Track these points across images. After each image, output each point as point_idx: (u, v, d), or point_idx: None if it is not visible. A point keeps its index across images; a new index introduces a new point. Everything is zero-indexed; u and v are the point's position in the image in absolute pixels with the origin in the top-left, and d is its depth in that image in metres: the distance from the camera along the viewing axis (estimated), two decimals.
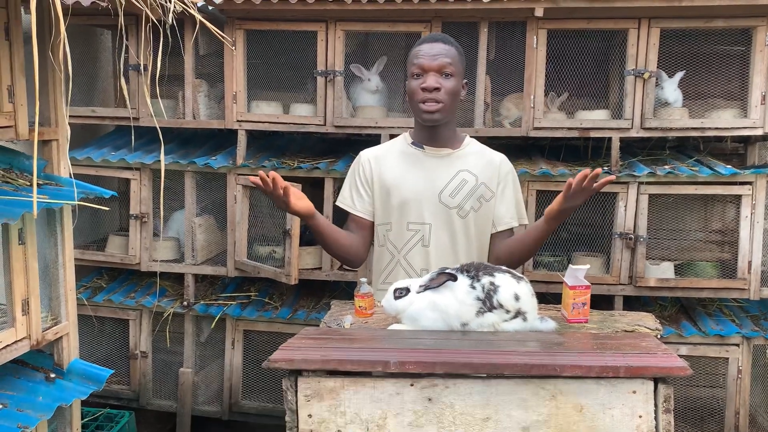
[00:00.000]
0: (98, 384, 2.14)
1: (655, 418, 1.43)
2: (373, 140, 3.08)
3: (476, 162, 2.16)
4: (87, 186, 2.10)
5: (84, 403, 2.35)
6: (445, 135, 2.16)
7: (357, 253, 2.23)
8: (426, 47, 2.07)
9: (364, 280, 1.98)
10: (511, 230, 2.21)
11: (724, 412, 2.96)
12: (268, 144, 3.49)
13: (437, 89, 2.03)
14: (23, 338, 1.94)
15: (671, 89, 2.96)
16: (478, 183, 2.14)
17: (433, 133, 2.15)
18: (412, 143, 2.20)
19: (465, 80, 2.15)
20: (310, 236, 3.32)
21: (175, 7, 2.00)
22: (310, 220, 2.10)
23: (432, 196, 2.12)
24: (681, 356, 1.52)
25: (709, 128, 2.90)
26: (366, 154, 2.25)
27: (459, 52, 2.10)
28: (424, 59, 2.04)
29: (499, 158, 2.21)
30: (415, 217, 2.13)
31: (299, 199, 2.06)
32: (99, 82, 3.72)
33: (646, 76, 2.85)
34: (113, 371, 2.27)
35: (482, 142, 2.27)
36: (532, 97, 2.93)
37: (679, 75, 2.96)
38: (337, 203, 2.28)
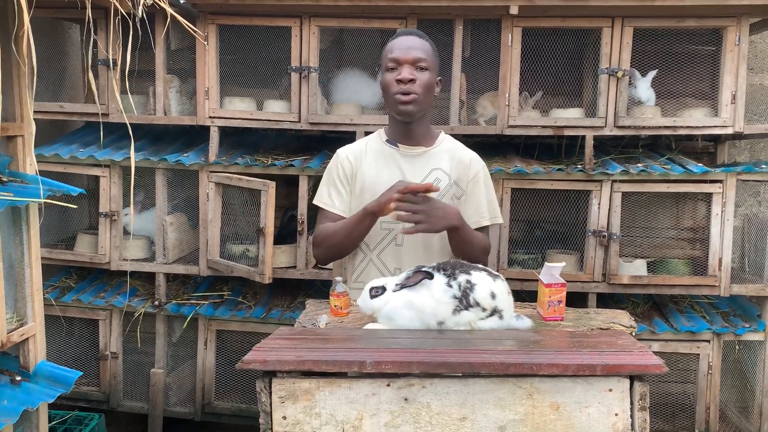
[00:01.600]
0: (66, 386, 2.08)
1: (631, 416, 1.43)
2: (348, 137, 3.06)
3: (449, 160, 2.15)
4: (54, 183, 2.04)
5: (52, 406, 2.29)
6: (420, 132, 2.14)
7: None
8: (400, 41, 2.06)
9: (339, 279, 1.96)
10: (479, 230, 2.17)
11: (695, 408, 3.00)
12: (241, 141, 3.44)
13: (412, 81, 2.02)
14: None
15: (644, 88, 2.98)
16: (450, 182, 2.13)
17: (407, 130, 2.13)
18: (387, 141, 2.18)
19: (439, 77, 2.14)
20: (285, 233, 3.31)
21: (145, 0, 1.95)
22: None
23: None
24: (653, 353, 1.52)
25: (681, 127, 2.93)
26: (344, 152, 2.22)
27: (433, 48, 2.10)
28: (398, 52, 2.03)
29: (470, 157, 2.19)
30: (389, 217, 2.10)
31: None
32: (67, 77, 3.64)
33: (619, 74, 2.87)
34: (82, 373, 2.22)
35: (457, 140, 2.26)
36: (507, 95, 2.93)
37: (652, 74, 2.99)
38: (314, 202, 2.25)
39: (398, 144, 2.16)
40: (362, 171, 2.16)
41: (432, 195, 2.06)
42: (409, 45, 2.04)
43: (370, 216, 2.03)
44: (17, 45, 1.92)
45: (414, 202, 1.91)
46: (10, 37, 1.91)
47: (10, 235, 2.05)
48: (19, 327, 2.04)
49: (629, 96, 2.96)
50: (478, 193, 2.17)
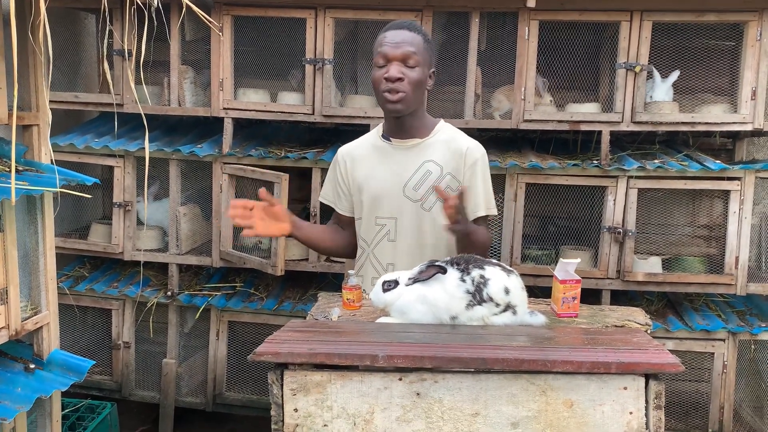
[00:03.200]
0: (79, 375, 2.10)
1: (646, 415, 1.41)
2: (362, 130, 3.04)
3: (443, 151, 2.09)
4: (69, 173, 2.04)
5: (65, 394, 2.30)
6: (413, 125, 2.10)
7: (349, 245, 2.27)
8: (390, 35, 2.01)
9: (352, 272, 1.95)
10: (476, 220, 2.11)
11: (709, 407, 2.97)
12: (255, 132, 3.44)
13: (400, 79, 1.97)
14: (2, 328, 1.89)
15: (664, 90, 2.95)
16: (443, 174, 2.07)
17: (399, 124, 2.10)
18: (382, 136, 2.16)
19: (432, 69, 2.09)
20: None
21: None
22: (296, 232, 2.16)
23: (397, 189, 2.09)
24: None
25: (700, 123, 2.89)
26: (342, 152, 2.23)
27: (425, 39, 2.04)
28: (387, 48, 1.99)
29: (467, 145, 2.10)
30: (382, 212, 2.10)
31: (275, 221, 2.11)
32: (83, 67, 3.65)
33: (637, 69, 2.84)
34: (95, 362, 2.23)
35: (472, 134, 2.21)
36: (522, 89, 2.90)
37: (674, 76, 2.95)
38: (320, 199, 2.28)
39: (391, 138, 2.13)
40: (358, 168, 2.17)
41: (422, 188, 2.07)
42: (399, 39, 1.98)
43: (293, 235, 2.17)
44: (33, 34, 1.93)
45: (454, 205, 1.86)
46: (26, 26, 1.92)
47: (25, 224, 2.06)
48: (34, 315, 2.05)
49: (648, 98, 2.92)
50: (475, 183, 2.09)
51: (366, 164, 2.15)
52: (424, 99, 2.14)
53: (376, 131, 2.22)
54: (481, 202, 2.11)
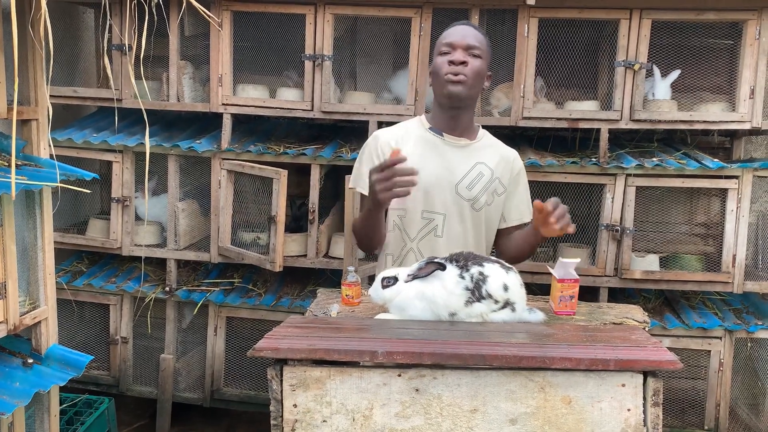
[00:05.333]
0: (77, 370, 2.10)
1: (644, 412, 1.42)
2: (361, 127, 3.05)
3: (492, 156, 2.14)
4: (68, 168, 2.04)
5: (62, 389, 2.31)
6: (464, 123, 2.11)
7: (384, 236, 2.12)
8: (456, 29, 2.06)
9: (351, 268, 1.95)
10: (520, 226, 2.18)
11: (705, 404, 2.99)
12: (254, 128, 3.44)
13: (464, 63, 1.99)
14: (0, 323, 1.89)
15: (664, 89, 2.96)
16: (493, 177, 2.11)
17: (452, 119, 2.09)
18: (431, 129, 2.13)
19: (489, 72, 2.12)
20: (294, 223, 3.31)
21: None
22: (377, 211, 1.96)
23: (449, 186, 2.07)
24: None
25: (698, 121, 2.90)
26: (385, 136, 2.14)
27: (487, 41, 2.09)
28: (453, 37, 2.02)
29: (513, 154, 2.19)
30: (430, 206, 2.07)
31: None
32: (82, 62, 3.64)
33: (636, 67, 2.84)
34: (93, 357, 2.23)
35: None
36: (522, 86, 2.90)
37: (674, 75, 2.95)
38: (351, 186, 2.18)
39: (443, 133, 2.12)
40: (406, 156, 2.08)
41: (475, 189, 2.08)
42: (465, 33, 2.03)
43: (375, 210, 1.94)
44: (33, 28, 1.93)
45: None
46: (26, 20, 1.91)
47: (23, 219, 2.06)
48: (32, 310, 2.05)
49: (648, 96, 2.93)
50: (520, 191, 2.19)
51: (414, 154, 2.04)
52: (478, 98, 2.15)
53: (418, 122, 2.17)
54: (526, 209, 2.19)
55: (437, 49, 2.06)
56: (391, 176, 1.78)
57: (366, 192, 2.05)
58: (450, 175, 2.08)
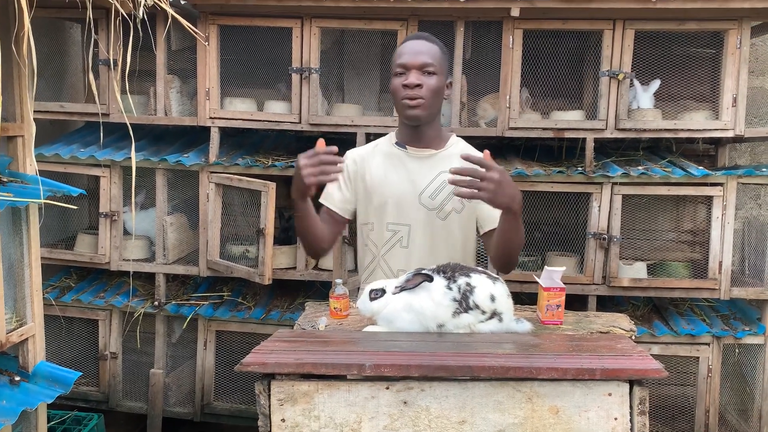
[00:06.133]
0: (65, 387, 2.08)
1: (631, 420, 1.43)
2: (349, 139, 3.06)
3: (458, 163, 2.13)
4: (54, 184, 2.03)
5: (51, 406, 2.28)
6: (429, 135, 2.14)
7: (329, 242, 2.18)
8: (409, 45, 2.06)
9: (339, 281, 1.96)
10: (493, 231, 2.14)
11: (695, 411, 3.00)
12: (242, 141, 3.44)
13: (419, 86, 2.01)
14: None
15: (646, 99, 2.99)
16: None
17: (416, 133, 2.13)
18: (396, 143, 2.18)
19: (449, 80, 2.14)
20: (284, 235, 3.31)
21: (146, 1, 1.95)
22: (302, 205, 1.99)
23: (412, 197, 2.11)
24: (653, 356, 1.52)
25: (682, 129, 2.93)
26: (351, 154, 2.23)
27: (442, 51, 2.09)
28: (406, 57, 2.03)
29: None
30: (395, 218, 2.11)
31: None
32: (68, 77, 3.63)
33: (620, 77, 2.87)
34: (81, 373, 2.21)
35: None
36: (507, 97, 2.93)
37: (655, 85, 2.99)
38: (322, 201, 2.22)
39: (407, 146, 2.15)
40: (369, 172, 2.16)
41: (439, 197, 2.07)
42: (417, 50, 2.03)
43: (299, 203, 1.97)
44: (18, 45, 1.92)
45: (476, 175, 1.76)
46: (10, 37, 1.91)
47: (9, 236, 2.05)
48: (19, 327, 2.04)
49: (632, 105, 2.96)
50: None
51: (379, 169, 2.15)
52: (441, 109, 2.16)
53: (387, 139, 2.23)
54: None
55: (393, 67, 2.07)
56: (317, 163, 1.84)
57: (325, 203, 2.18)
58: (413, 187, 2.11)
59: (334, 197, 2.20)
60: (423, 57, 2.02)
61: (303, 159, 1.86)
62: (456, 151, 2.17)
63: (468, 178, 1.75)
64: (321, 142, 1.88)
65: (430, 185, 2.11)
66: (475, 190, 1.75)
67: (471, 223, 2.15)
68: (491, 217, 2.10)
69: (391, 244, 2.13)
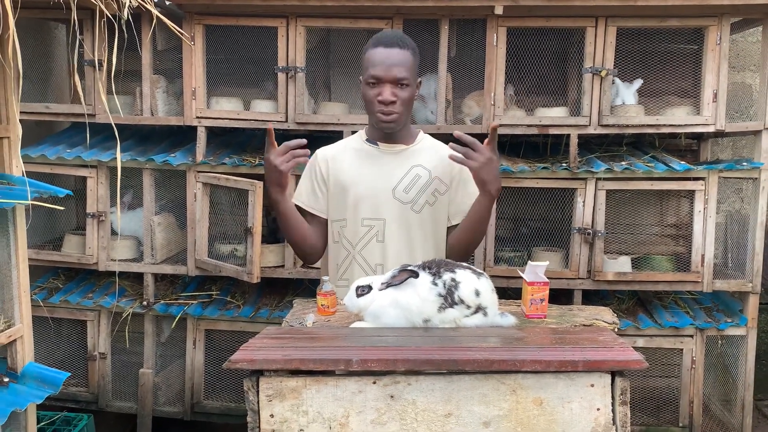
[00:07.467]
0: (54, 387, 2.09)
1: (612, 411, 1.46)
2: (336, 137, 3.07)
3: (430, 157, 2.18)
4: (41, 185, 2.04)
5: (40, 407, 2.29)
6: (400, 132, 2.17)
7: (316, 245, 2.24)
8: (382, 54, 2.04)
9: (326, 278, 1.98)
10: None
11: (679, 402, 3.05)
12: (229, 141, 3.45)
13: (393, 102, 2.05)
14: None
15: (629, 96, 3.03)
16: (431, 177, 2.15)
17: (387, 133, 2.17)
18: (367, 140, 2.21)
19: (419, 80, 2.16)
20: (271, 234, 3.32)
21: (131, 1, 1.96)
22: (283, 202, 2.08)
23: (386, 191, 2.14)
24: (638, 348, 1.56)
25: (664, 125, 2.97)
26: (322, 153, 2.25)
27: (414, 53, 2.09)
28: (380, 70, 2.03)
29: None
30: (370, 213, 2.14)
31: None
32: (53, 78, 3.62)
33: (603, 73, 2.90)
34: (70, 374, 2.22)
35: (444, 140, 2.27)
36: (492, 94, 2.95)
37: (637, 84, 3.03)
38: (294, 201, 2.25)
39: (378, 143, 2.19)
40: (341, 170, 2.19)
41: (412, 191, 2.11)
42: (391, 61, 2.03)
43: (278, 197, 2.06)
44: (2, 47, 1.93)
45: (473, 146, 1.93)
46: None
47: None
48: (7, 329, 2.04)
49: (615, 102, 3.00)
50: (464, 187, 2.17)
51: (351, 166, 2.18)
52: (411, 110, 2.19)
53: (357, 136, 2.26)
54: (469, 205, 2.15)
55: (364, 70, 2.08)
56: (286, 150, 1.98)
57: (303, 206, 2.23)
58: (386, 182, 2.14)
59: (311, 201, 2.24)
60: (397, 70, 2.03)
61: (271, 154, 1.98)
62: (426, 146, 2.22)
63: (462, 152, 1.93)
64: (270, 126, 2.03)
65: (404, 179, 2.14)
66: (467, 160, 1.93)
67: (443, 215, 2.18)
68: (460, 210, 2.17)
69: (367, 239, 2.16)
